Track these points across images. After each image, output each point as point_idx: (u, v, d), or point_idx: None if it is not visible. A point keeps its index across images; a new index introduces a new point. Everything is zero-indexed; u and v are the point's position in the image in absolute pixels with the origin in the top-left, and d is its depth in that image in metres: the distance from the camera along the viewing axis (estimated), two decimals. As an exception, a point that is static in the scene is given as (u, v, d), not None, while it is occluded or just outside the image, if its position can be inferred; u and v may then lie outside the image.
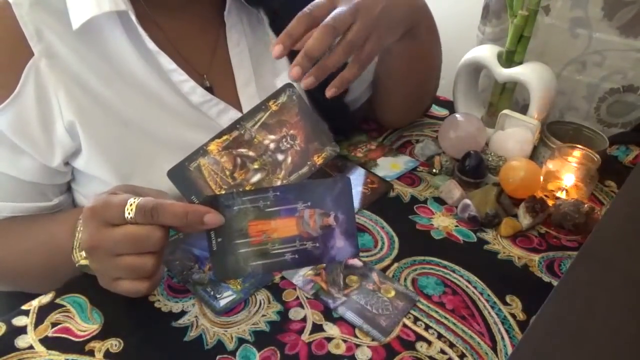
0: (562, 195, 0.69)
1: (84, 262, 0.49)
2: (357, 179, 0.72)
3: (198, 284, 0.54)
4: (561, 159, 0.68)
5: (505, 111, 0.75)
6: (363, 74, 0.77)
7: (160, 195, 0.49)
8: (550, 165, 0.69)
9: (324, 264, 0.56)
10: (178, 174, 0.49)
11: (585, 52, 0.86)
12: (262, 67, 0.70)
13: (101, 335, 0.49)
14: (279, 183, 0.50)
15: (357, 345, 0.49)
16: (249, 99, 0.67)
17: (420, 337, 0.50)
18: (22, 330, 0.49)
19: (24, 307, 0.51)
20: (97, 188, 0.61)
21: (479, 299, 0.55)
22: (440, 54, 0.75)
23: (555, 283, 0.58)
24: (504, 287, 0.56)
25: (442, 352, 0.49)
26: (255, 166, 0.50)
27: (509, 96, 0.80)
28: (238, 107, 0.67)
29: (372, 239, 0.62)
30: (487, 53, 0.78)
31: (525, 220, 0.64)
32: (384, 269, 0.58)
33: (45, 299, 0.52)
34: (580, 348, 0.39)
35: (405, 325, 0.52)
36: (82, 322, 0.50)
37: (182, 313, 0.52)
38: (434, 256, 0.60)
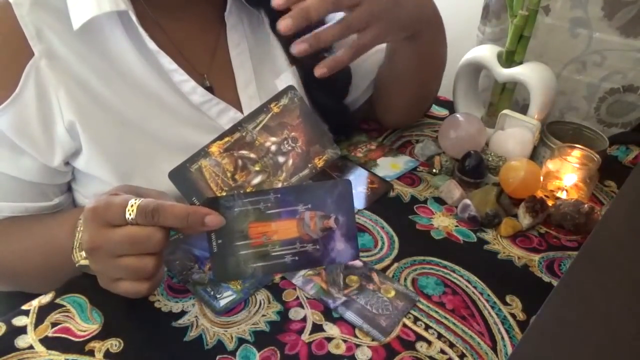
0: (562, 195, 0.69)
1: (84, 262, 0.49)
2: (357, 179, 0.72)
3: (198, 284, 0.54)
4: (561, 159, 0.68)
5: (505, 111, 0.75)
6: (364, 73, 0.78)
7: (161, 196, 0.49)
8: (550, 165, 0.69)
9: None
10: (179, 175, 0.49)
11: (585, 52, 0.86)
12: (263, 67, 0.70)
13: (101, 335, 0.49)
14: (279, 185, 0.50)
15: (357, 345, 0.49)
16: (249, 99, 0.67)
17: (420, 337, 0.50)
18: (22, 330, 0.49)
19: (24, 307, 0.51)
20: (98, 188, 0.61)
21: (479, 299, 0.55)
22: (445, 56, 0.76)
23: (555, 283, 0.58)
24: (504, 287, 0.56)
25: (442, 352, 0.49)
26: (257, 168, 0.50)
27: (509, 96, 0.80)
28: (238, 107, 0.67)
29: (372, 239, 0.62)
30: (487, 53, 0.78)
31: (525, 220, 0.64)
32: (384, 269, 0.58)
33: (45, 299, 0.52)
34: (580, 348, 0.39)
35: (405, 325, 0.52)
36: (82, 322, 0.50)
37: (182, 313, 0.52)
38: (434, 256, 0.60)
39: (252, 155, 0.50)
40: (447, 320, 0.52)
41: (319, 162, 0.51)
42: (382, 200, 0.69)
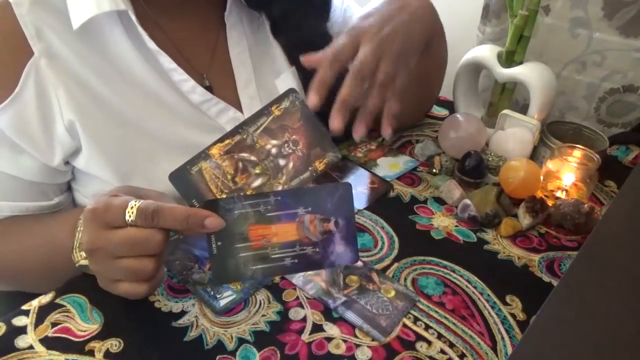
0: (562, 195, 0.69)
1: (83, 262, 0.49)
2: (357, 179, 0.72)
3: (198, 284, 0.54)
4: (561, 159, 0.68)
5: (505, 111, 0.75)
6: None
7: (161, 198, 0.49)
8: (550, 165, 0.69)
9: (324, 265, 0.56)
10: (179, 177, 0.49)
11: (585, 52, 0.86)
12: (263, 67, 0.70)
13: (101, 335, 0.49)
14: (280, 188, 0.50)
15: (357, 345, 0.49)
16: (249, 99, 0.67)
17: (420, 337, 0.50)
18: (22, 330, 0.49)
19: (24, 307, 0.51)
20: (97, 187, 0.61)
21: (479, 299, 0.55)
22: (446, 58, 0.75)
23: (555, 283, 0.58)
24: (504, 287, 0.56)
25: (442, 352, 0.49)
26: (257, 171, 0.50)
27: (509, 96, 0.80)
28: (238, 107, 0.67)
29: (372, 239, 0.62)
30: (487, 53, 0.78)
31: (525, 220, 0.64)
32: (384, 269, 0.58)
33: (45, 299, 0.52)
34: (580, 348, 0.39)
35: (405, 325, 0.52)
36: (82, 322, 0.50)
37: (182, 313, 0.52)
38: (434, 256, 0.60)
39: (253, 158, 0.50)
40: (447, 320, 0.52)
41: (320, 165, 0.51)
42: (382, 200, 0.69)
